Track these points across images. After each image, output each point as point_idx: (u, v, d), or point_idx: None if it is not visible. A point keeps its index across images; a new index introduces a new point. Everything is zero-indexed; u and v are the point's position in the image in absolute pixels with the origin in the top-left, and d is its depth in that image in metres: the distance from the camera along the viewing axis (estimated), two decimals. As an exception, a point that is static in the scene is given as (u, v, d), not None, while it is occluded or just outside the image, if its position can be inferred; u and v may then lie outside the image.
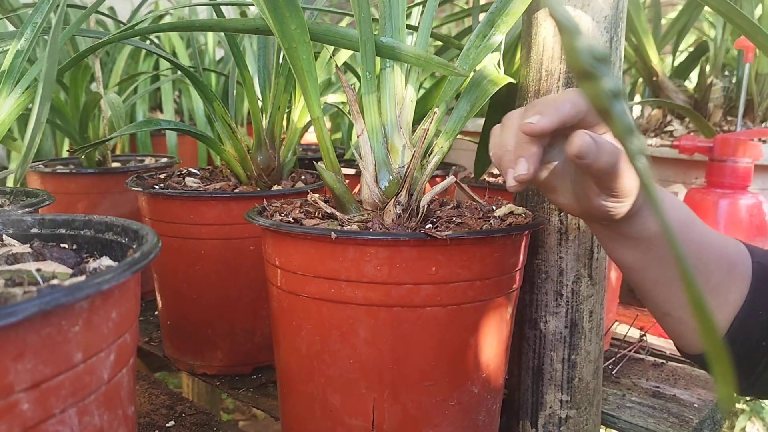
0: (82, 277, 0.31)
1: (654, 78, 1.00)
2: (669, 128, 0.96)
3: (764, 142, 0.89)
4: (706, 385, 0.70)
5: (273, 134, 0.70)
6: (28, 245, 0.37)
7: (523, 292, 0.58)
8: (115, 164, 0.95)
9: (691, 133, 0.94)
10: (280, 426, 0.53)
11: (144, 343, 0.78)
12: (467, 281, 0.45)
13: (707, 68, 1.03)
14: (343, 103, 1.08)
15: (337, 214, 0.50)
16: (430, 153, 0.53)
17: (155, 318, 0.86)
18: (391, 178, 0.50)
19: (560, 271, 0.56)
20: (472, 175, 0.81)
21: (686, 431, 0.61)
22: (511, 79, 0.58)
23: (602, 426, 0.64)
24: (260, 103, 0.72)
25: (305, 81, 0.49)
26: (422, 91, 1.12)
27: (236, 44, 0.65)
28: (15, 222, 0.39)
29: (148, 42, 0.82)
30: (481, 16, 0.98)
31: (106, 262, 0.33)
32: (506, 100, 0.66)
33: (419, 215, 0.49)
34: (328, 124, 1.64)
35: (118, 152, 1.26)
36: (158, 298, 0.72)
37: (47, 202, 0.52)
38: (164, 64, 1.43)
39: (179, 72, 1.37)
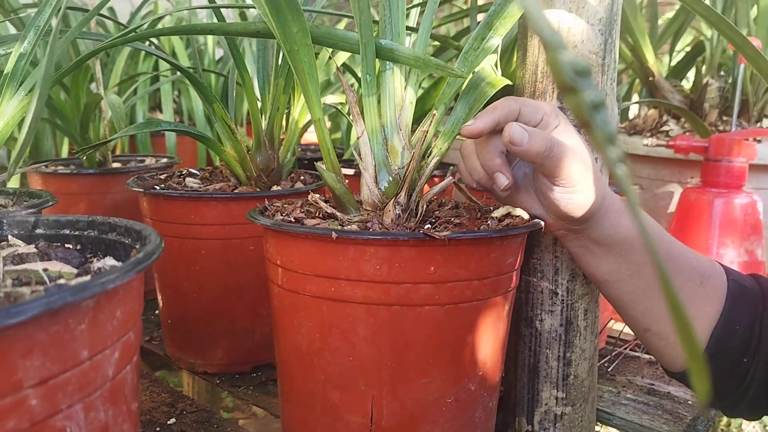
0: (88, 277, 0.32)
1: (650, 78, 1.01)
2: (665, 128, 0.97)
3: (759, 141, 0.90)
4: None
5: (272, 135, 0.71)
6: (33, 246, 0.37)
7: (519, 290, 0.59)
8: (115, 165, 0.96)
9: (687, 133, 0.95)
10: (279, 424, 0.54)
11: (145, 342, 0.79)
12: (465, 281, 0.45)
13: (703, 68, 1.04)
14: (341, 103, 1.08)
15: (338, 214, 0.51)
16: (429, 154, 0.54)
17: (156, 317, 0.87)
18: (390, 179, 0.51)
19: (555, 270, 0.57)
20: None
21: (680, 428, 0.62)
22: (508, 81, 0.58)
23: (597, 423, 0.65)
24: (259, 104, 0.73)
25: (307, 83, 0.49)
26: (421, 92, 1.13)
27: (236, 46, 0.66)
28: (20, 223, 0.40)
29: (147, 44, 0.83)
30: (479, 17, 0.99)
31: (110, 262, 0.34)
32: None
33: (418, 215, 0.50)
34: (328, 124, 1.65)
35: (118, 152, 1.27)
36: (159, 297, 0.72)
37: (50, 203, 0.53)
38: (164, 65, 1.44)
39: (179, 73, 1.38)
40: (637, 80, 1.17)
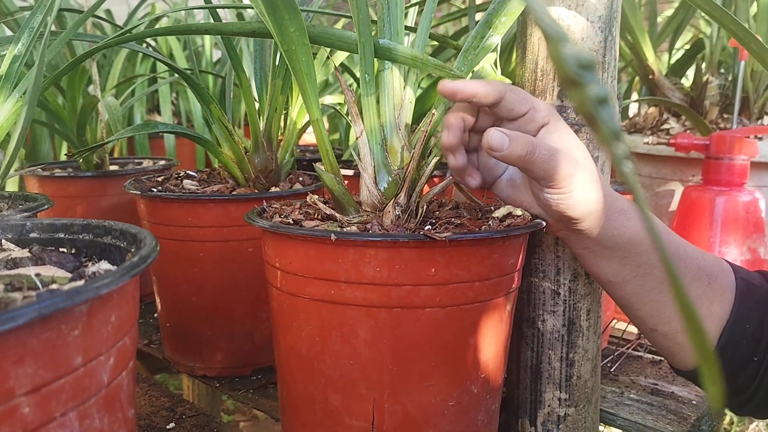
0: (81, 282, 0.31)
1: (650, 76, 1.00)
2: (665, 126, 0.96)
3: (760, 139, 0.89)
4: (704, 382, 0.71)
5: (270, 136, 0.70)
6: (27, 250, 0.37)
7: (520, 291, 0.58)
8: (113, 167, 0.95)
9: (688, 131, 0.94)
10: (280, 426, 0.54)
11: (144, 346, 0.78)
12: (466, 282, 0.45)
13: (703, 66, 1.03)
14: (340, 104, 1.08)
15: (337, 215, 0.50)
16: (429, 154, 0.53)
17: (155, 320, 0.86)
18: (390, 179, 0.50)
19: (557, 270, 0.56)
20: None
21: (684, 428, 0.61)
22: (507, 80, 0.58)
23: (601, 423, 0.64)
24: (257, 105, 0.72)
25: (304, 83, 0.49)
26: (420, 92, 1.13)
27: (233, 46, 0.65)
28: (14, 227, 0.39)
29: (144, 45, 0.82)
30: (478, 16, 0.99)
31: (104, 266, 0.33)
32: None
33: (418, 216, 0.50)
34: (326, 125, 1.64)
35: (116, 155, 1.26)
36: (157, 300, 0.72)
37: (46, 206, 0.52)
38: (161, 67, 1.43)
39: (176, 74, 1.37)
40: (637, 78, 1.16)
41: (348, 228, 0.48)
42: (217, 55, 1.62)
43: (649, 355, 0.77)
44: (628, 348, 0.78)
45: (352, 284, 0.44)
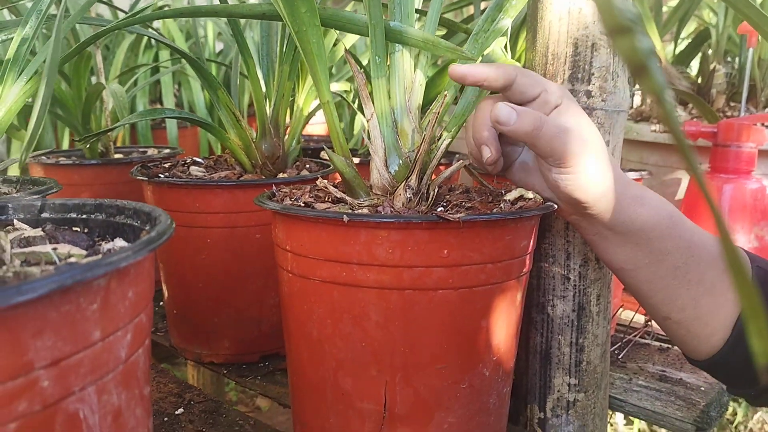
0: (99, 256, 0.31)
1: (657, 64, 1.00)
2: (672, 115, 0.96)
3: (767, 126, 0.89)
4: (712, 369, 0.70)
5: (277, 122, 0.70)
6: (40, 229, 0.37)
7: (530, 276, 0.58)
8: (117, 155, 0.95)
9: (695, 119, 0.94)
10: (283, 417, 0.54)
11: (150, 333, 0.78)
12: (479, 264, 0.45)
13: (710, 54, 1.03)
14: (346, 91, 1.07)
15: (347, 198, 0.50)
16: (439, 138, 0.53)
17: (161, 308, 0.86)
18: (400, 162, 0.50)
19: (567, 255, 0.56)
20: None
21: (694, 414, 0.61)
22: (518, 64, 0.57)
23: (609, 410, 0.64)
24: (264, 92, 0.72)
25: (315, 65, 0.48)
26: (426, 79, 1.12)
27: (240, 31, 0.65)
28: (25, 207, 0.39)
29: (150, 31, 0.82)
30: (483, 5, 0.98)
31: (120, 243, 0.33)
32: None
33: (429, 199, 0.49)
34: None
35: (119, 144, 1.26)
36: (164, 287, 0.72)
37: (54, 190, 0.52)
38: (164, 57, 1.43)
39: (180, 63, 1.37)
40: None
41: (359, 211, 0.48)
42: (219, 46, 1.62)
43: (657, 343, 0.77)
44: (635, 335, 0.78)
45: (363, 266, 0.44)
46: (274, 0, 0.47)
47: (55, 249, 0.31)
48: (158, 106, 1.53)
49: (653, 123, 0.93)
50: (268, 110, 0.70)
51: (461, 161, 0.53)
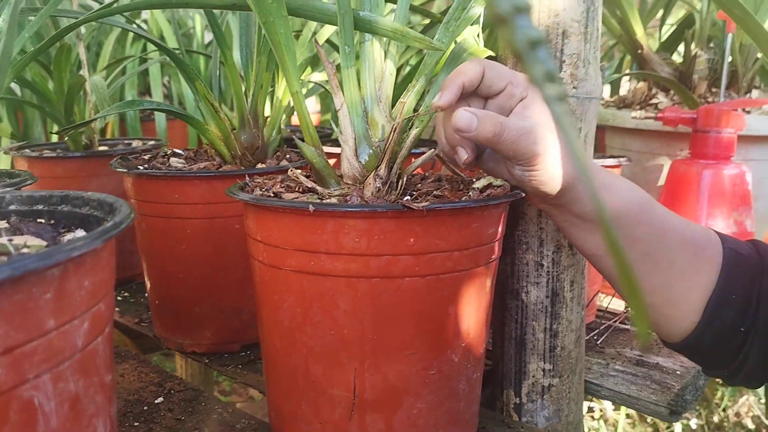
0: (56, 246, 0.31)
1: (639, 51, 1.00)
2: (654, 101, 0.96)
3: (748, 112, 0.89)
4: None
5: (256, 113, 0.70)
6: (5, 221, 0.37)
7: (504, 263, 0.59)
8: (102, 147, 0.95)
9: (676, 106, 0.94)
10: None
11: (134, 324, 0.79)
12: (445, 252, 0.45)
13: (692, 40, 1.03)
14: (327, 81, 1.07)
15: (318, 188, 0.50)
16: (411, 126, 0.53)
17: (145, 299, 0.87)
18: (371, 151, 0.50)
19: (540, 242, 0.57)
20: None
21: (668, 397, 0.62)
22: (490, 52, 0.58)
23: (586, 394, 0.65)
24: (244, 82, 0.72)
25: (283, 55, 0.49)
26: (408, 69, 1.12)
27: (217, 22, 0.65)
28: (-7, 199, 0.39)
29: (135, 27, 0.82)
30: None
31: (80, 234, 0.34)
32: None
33: (399, 188, 0.50)
34: (318, 106, 1.64)
35: (108, 136, 1.26)
36: (146, 278, 0.72)
37: (29, 182, 0.52)
38: (152, 48, 1.43)
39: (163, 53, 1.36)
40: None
41: (328, 200, 0.48)
42: (209, 37, 1.61)
43: (635, 328, 0.77)
44: (614, 321, 0.78)
45: (331, 255, 0.44)
46: (241, -9, 0.47)
47: (11, 240, 0.31)
48: (147, 97, 1.53)
49: (635, 109, 0.93)
50: (247, 101, 0.70)
51: (432, 150, 0.53)
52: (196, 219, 0.65)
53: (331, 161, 0.73)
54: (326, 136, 1.06)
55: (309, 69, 1.09)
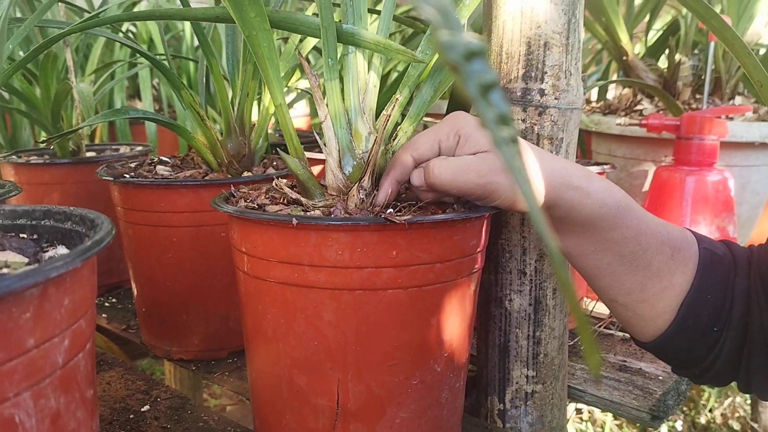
0: (34, 266, 0.32)
1: (624, 57, 1.01)
2: (639, 107, 0.97)
3: (731, 119, 0.90)
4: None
5: (243, 121, 0.71)
6: (-12, 236, 0.37)
7: (488, 271, 0.59)
8: (90, 154, 0.95)
9: (660, 112, 0.95)
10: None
11: (121, 331, 0.79)
12: (428, 264, 0.46)
13: (677, 47, 1.04)
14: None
15: (302, 199, 0.51)
16: (395, 138, 0.54)
17: (133, 306, 0.87)
18: (355, 163, 0.51)
19: (523, 250, 0.57)
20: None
21: (650, 402, 0.63)
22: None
23: (569, 400, 0.66)
24: (230, 91, 0.72)
25: (266, 68, 0.49)
26: (395, 75, 1.13)
27: (202, 32, 0.65)
28: (-24, 213, 0.40)
29: (125, 30, 0.82)
30: None
31: (62, 251, 0.34)
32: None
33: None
34: (307, 110, 1.64)
35: (97, 142, 1.26)
36: (133, 285, 0.72)
37: (13, 193, 0.52)
38: (141, 52, 1.42)
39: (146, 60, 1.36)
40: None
41: (312, 212, 0.48)
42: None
43: (620, 333, 0.78)
44: (599, 326, 0.79)
45: (315, 267, 0.45)
46: (225, 4, 0.48)
47: (-9, 259, 0.31)
48: (137, 101, 1.53)
49: (620, 116, 0.94)
50: (234, 109, 0.71)
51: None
52: (183, 227, 0.66)
53: (320, 167, 0.73)
54: (314, 141, 1.07)
55: (298, 74, 1.10)
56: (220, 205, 0.49)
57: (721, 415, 1.39)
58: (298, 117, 1.61)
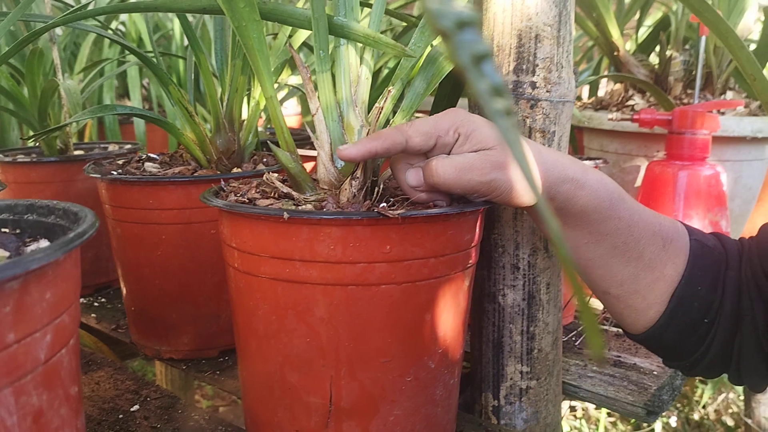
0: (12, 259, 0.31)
1: (615, 53, 1.01)
2: (630, 102, 0.97)
3: (722, 113, 0.90)
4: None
5: (232, 117, 0.70)
6: (-30, 231, 0.36)
7: (481, 266, 0.59)
8: (78, 152, 0.94)
9: (652, 107, 0.95)
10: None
11: (111, 331, 0.78)
12: (421, 259, 0.45)
13: (668, 42, 1.04)
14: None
15: (293, 193, 0.50)
16: (387, 131, 0.53)
17: (122, 305, 0.86)
18: (346, 156, 0.50)
19: (516, 245, 0.57)
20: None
21: (644, 398, 0.62)
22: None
23: (564, 396, 0.65)
24: (219, 86, 0.71)
25: (257, 60, 0.48)
26: (386, 71, 1.12)
27: (190, 26, 0.65)
28: (-43, 209, 0.39)
29: (115, 27, 0.81)
30: None
31: (44, 244, 0.33)
32: (457, 76, 0.66)
33: (376, 194, 0.49)
34: (298, 108, 1.63)
35: (86, 140, 1.25)
36: (122, 284, 0.71)
37: (-2, 190, 0.51)
38: (130, 50, 1.41)
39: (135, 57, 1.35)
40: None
41: (304, 206, 0.48)
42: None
43: (614, 329, 0.78)
44: (593, 322, 0.79)
45: (306, 263, 0.44)
46: (213, -5, 0.47)
47: (-30, 253, 0.31)
48: (126, 100, 1.52)
49: (612, 111, 0.94)
50: (223, 105, 0.70)
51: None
52: (172, 224, 0.65)
53: (311, 164, 0.73)
54: (306, 138, 1.06)
55: (288, 71, 1.09)
56: (210, 200, 0.48)
57: (715, 411, 1.39)
58: (289, 116, 1.60)
